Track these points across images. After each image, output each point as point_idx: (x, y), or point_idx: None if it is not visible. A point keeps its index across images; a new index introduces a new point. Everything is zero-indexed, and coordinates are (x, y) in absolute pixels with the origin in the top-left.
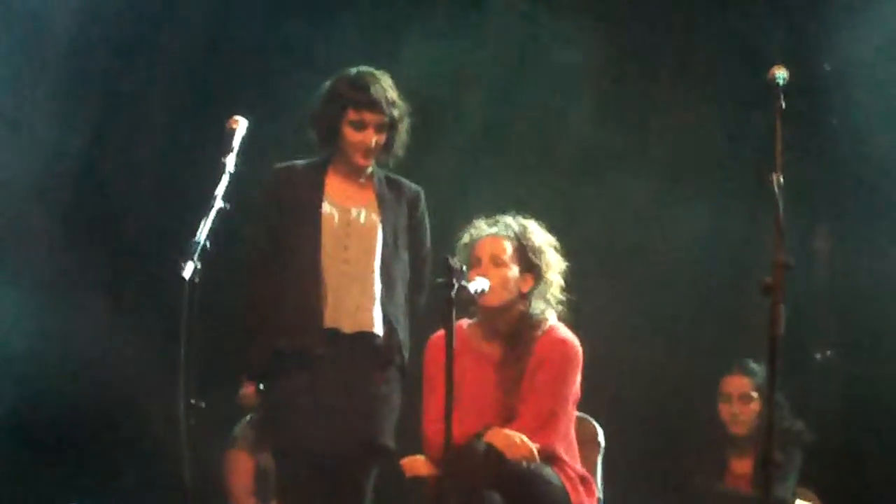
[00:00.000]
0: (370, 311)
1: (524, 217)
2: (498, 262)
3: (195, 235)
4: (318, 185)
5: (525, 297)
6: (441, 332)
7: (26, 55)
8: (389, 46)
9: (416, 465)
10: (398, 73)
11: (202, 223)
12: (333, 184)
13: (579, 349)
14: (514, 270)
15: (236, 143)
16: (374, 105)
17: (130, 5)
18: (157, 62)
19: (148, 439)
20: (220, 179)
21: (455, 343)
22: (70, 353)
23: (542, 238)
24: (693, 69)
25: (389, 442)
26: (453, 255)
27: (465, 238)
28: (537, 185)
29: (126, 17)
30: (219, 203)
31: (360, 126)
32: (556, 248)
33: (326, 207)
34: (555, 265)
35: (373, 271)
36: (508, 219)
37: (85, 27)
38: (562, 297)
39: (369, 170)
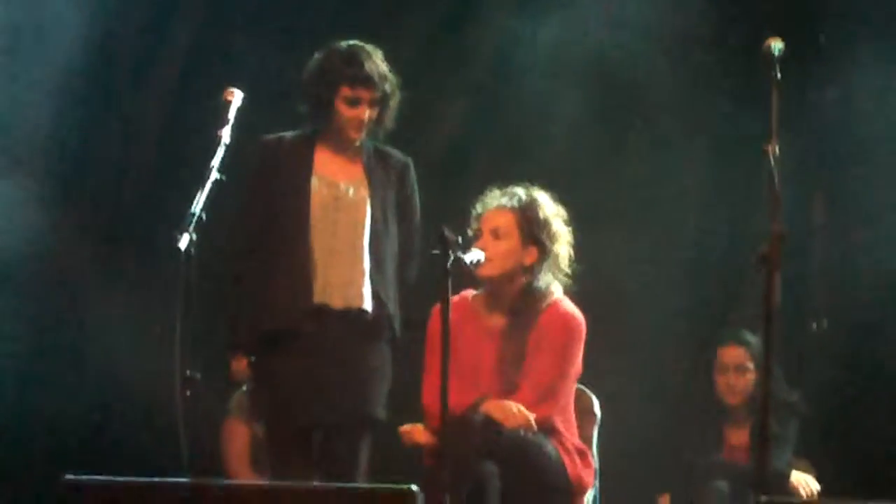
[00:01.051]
0: (359, 286)
1: (536, 187)
2: (497, 235)
3: (191, 207)
4: (307, 158)
5: (530, 269)
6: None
7: (24, 29)
8: (385, 19)
9: (415, 433)
10: (396, 45)
11: (198, 195)
12: (322, 157)
13: (583, 323)
14: (514, 242)
15: (232, 114)
16: (368, 81)
17: None
18: (154, 35)
19: (144, 410)
20: (215, 151)
21: (459, 314)
22: (64, 324)
23: (549, 210)
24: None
25: (380, 413)
26: (449, 225)
27: (478, 207)
28: (537, 156)
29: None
30: (214, 175)
31: (355, 102)
32: (565, 221)
33: (315, 182)
34: (562, 238)
35: (362, 246)
36: (519, 189)
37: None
38: (569, 269)
39: (358, 142)
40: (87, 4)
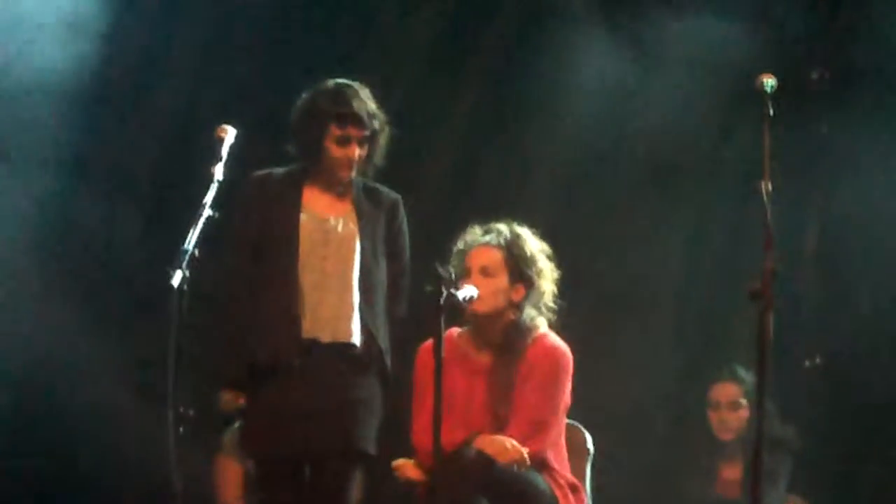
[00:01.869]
0: (348, 320)
1: (518, 224)
2: (487, 273)
3: (184, 243)
4: (296, 195)
5: (516, 305)
6: (431, 341)
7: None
8: (375, 54)
9: (408, 468)
10: (388, 83)
11: (190, 231)
12: (311, 194)
13: (570, 357)
14: (503, 280)
15: (224, 151)
16: (357, 120)
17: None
18: (147, 73)
19: (136, 447)
20: (208, 188)
21: (445, 352)
22: (55, 361)
23: (534, 246)
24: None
25: (370, 448)
26: (442, 262)
27: (460, 244)
28: (528, 190)
29: (119, 22)
30: (207, 211)
31: (345, 142)
32: (548, 257)
33: (304, 217)
34: (547, 273)
35: (351, 281)
36: (502, 226)
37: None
38: (553, 305)
39: (348, 180)
40: (78, 43)
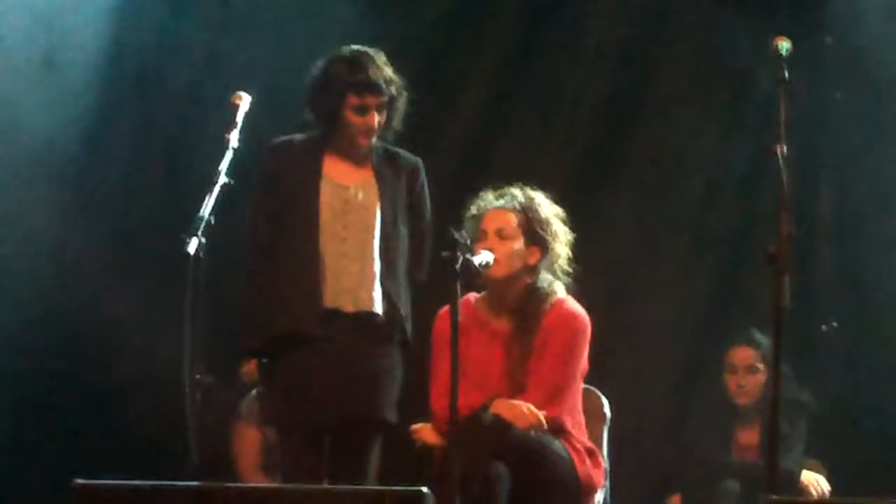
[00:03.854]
0: (370, 289)
1: (532, 188)
2: (503, 235)
3: (199, 211)
4: (316, 163)
5: (532, 269)
6: (449, 306)
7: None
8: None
9: (425, 432)
10: (402, 47)
11: (206, 199)
12: (331, 162)
13: (587, 322)
14: (519, 243)
15: (240, 118)
16: (374, 87)
17: None
18: (163, 41)
19: (155, 414)
20: (224, 155)
21: (463, 317)
22: (76, 328)
23: (548, 210)
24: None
25: (390, 415)
26: (458, 227)
27: (473, 210)
28: (545, 156)
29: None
30: (223, 179)
31: (363, 110)
32: (563, 220)
33: (324, 186)
34: (562, 237)
35: (372, 249)
36: (515, 190)
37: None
38: (569, 268)
39: (367, 147)
40: (95, 13)
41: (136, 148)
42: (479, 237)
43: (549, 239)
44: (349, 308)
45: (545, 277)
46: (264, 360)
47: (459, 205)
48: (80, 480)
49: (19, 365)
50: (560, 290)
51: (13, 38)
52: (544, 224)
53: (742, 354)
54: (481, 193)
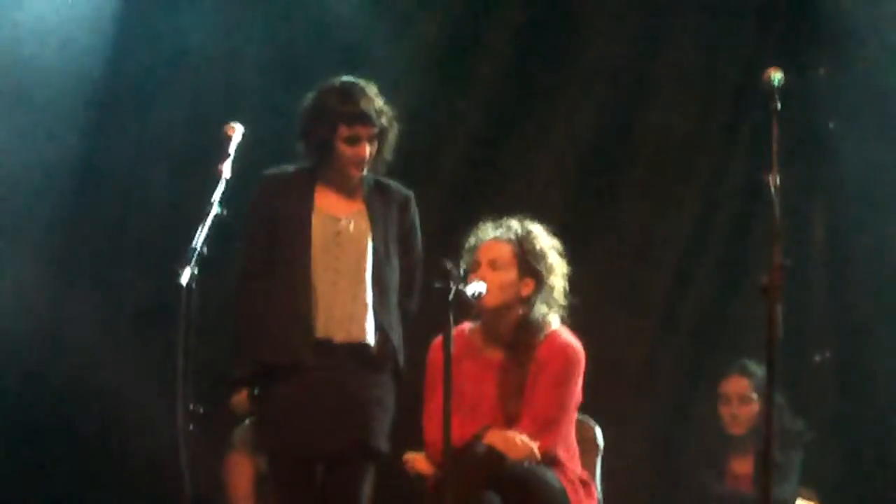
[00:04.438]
0: (362, 320)
1: (530, 220)
2: (496, 266)
3: (192, 242)
4: (308, 195)
5: (526, 301)
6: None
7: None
8: (383, 52)
9: (418, 461)
10: (393, 79)
11: (199, 229)
12: (323, 193)
13: (581, 353)
14: (512, 274)
15: (232, 149)
16: (365, 118)
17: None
18: (157, 69)
19: (148, 445)
20: (216, 186)
21: (457, 347)
22: (67, 359)
23: (545, 242)
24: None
25: (382, 445)
26: (451, 258)
27: (472, 240)
28: (539, 186)
29: (124, 24)
30: (215, 209)
31: (354, 141)
32: (560, 253)
33: (316, 218)
34: (558, 269)
35: (364, 280)
36: (513, 222)
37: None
38: (564, 301)
39: (359, 178)
40: (90, 39)
41: (130, 175)
42: (472, 268)
43: (544, 271)
44: (341, 338)
45: (539, 309)
46: (256, 391)
47: (452, 235)
48: None
49: (5, 395)
50: (555, 322)
51: None
52: (539, 256)
53: (735, 384)
54: (480, 224)
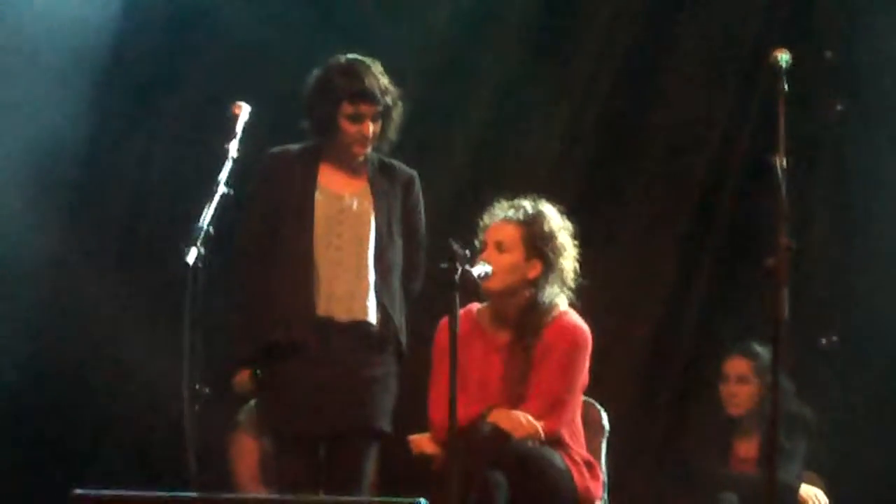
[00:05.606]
0: (364, 299)
1: (543, 201)
2: (502, 248)
3: (199, 221)
4: (311, 172)
5: (533, 283)
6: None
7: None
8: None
9: (423, 442)
10: (398, 58)
11: (206, 209)
12: (326, 171)
13: (588, 336)
14: (518, 256)
15: (239, 128)
16: (369, 96)
17: None
18: (163, 50)
19: (153, 424)
20: (223, 165)
21: (464, 327)
22: (74, 337)
23: (555, 223)
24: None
25: (385, 425)
26: (459, 238)
27: (485, 219)
28: (545, 167)
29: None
30: (222, 189)
31: (358, 118)
32: (570, 235)
33: (319, 196)
34: (567, 251)
35: (366, 259)
36: (526, 202)
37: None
38: (573, 283)
39: (362, 157)
40: (97, 23)
41: (136, 154)
42: (481, 248)
43: (551, 254)
44: (343, 317)
45: (549, 291)
46: (257, 370)
47: (460, 216)
48: (78, 490)
49: (15, 370)
50: (562, 304)
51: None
52: (547, 238)
53: (734, 364)
54: (495, 203)
